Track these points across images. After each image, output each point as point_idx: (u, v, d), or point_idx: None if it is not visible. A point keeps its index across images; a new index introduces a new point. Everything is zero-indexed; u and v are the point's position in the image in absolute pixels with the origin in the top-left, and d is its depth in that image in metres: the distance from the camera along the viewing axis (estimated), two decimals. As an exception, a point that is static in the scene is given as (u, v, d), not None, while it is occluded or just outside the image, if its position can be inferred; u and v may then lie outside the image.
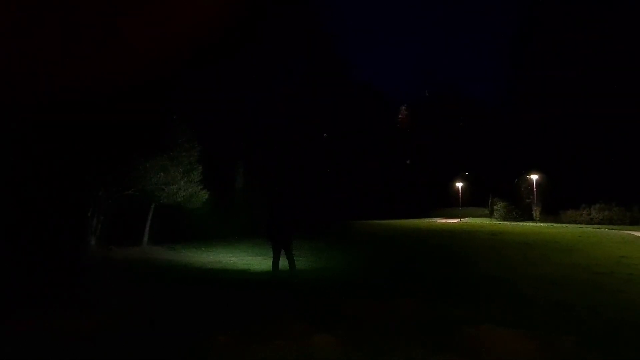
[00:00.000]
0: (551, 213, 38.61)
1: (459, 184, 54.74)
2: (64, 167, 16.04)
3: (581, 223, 34.34)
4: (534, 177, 40.32)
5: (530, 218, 40.01)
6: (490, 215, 44.46)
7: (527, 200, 42.00)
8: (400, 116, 58.74)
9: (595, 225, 31.38)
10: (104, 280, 11.74)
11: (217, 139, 29.82)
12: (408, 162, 60.41)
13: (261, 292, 9.55)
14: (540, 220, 38.12)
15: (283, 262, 12.19)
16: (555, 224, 33.12)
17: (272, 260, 12.33)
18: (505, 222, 37.58)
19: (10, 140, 13.28)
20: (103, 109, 15.19)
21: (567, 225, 32.49)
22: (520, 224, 34.93)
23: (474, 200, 53.27)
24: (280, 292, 9.64)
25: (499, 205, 43.44)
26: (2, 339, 6.02)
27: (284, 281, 11.41)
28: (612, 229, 26.62)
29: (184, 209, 22.55)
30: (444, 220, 40.16)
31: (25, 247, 13.02)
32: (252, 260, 16.78)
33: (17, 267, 11.62)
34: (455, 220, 40.40)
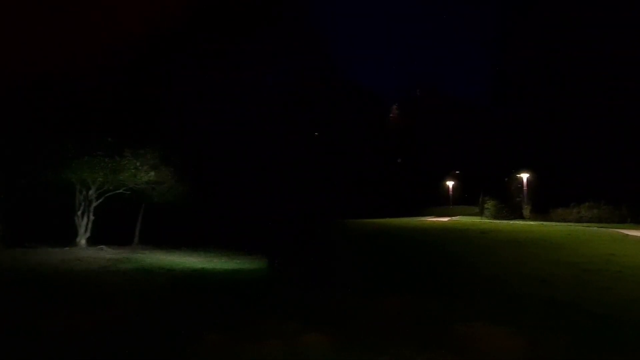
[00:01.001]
0: (541, 211, 38.82)
1: (450, 183, 54.89)
2: (51, 166, 15.95)
3: (571, 221, 34.54)
4: (524, 175, 40.52)
5: (521, 216, 40.20)
6: (480, 213, 44.57)
7: (518, 199, 42.19)
8: (391, 115, 58.84)
9: (584, 224, 31.59)
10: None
11: (209, 139, 29.70)
12: (399, 160, 60.52)
13: (253, 292, 9.55)
14: (531, 219, 38.33)
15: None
16: (545, 222, 33.29)
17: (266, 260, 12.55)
18: (495, 221, 37.68)
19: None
20: (92, 101, 15.09)
21: (557, 223, 32.69)
22: (511, 222, 35.07)
23: (465, 199, 53.46)
24: (272, 291, 9.63)
25: (490, 204, 43.56)
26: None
27: (275, 280, 11.45)
28: (602, 227, 26.80)
29: (174, 209, 22.46)
30: (434, 219, 40.20)
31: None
32: (244, 260, 16.76)
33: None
34: (446, 219, 40.47)
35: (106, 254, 17.32)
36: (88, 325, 6.49)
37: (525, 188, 40.51)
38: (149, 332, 6.29)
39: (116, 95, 18.27)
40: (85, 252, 17.69)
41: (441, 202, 55.37)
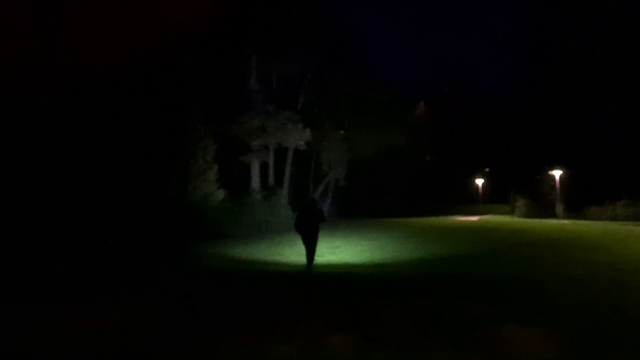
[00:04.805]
0: (574, 210, 37.83)
1: (479, 181, 54.03)
2: (82, 169, 16.26)
3: (605, 220, 33.58)
4: (557, 172, 39.58)
5: (553, 215, 39.24)
6: (511, 212, 43.82)
7: (550, 197, 41.22)
8: (418, 112, 58.13)
9: (620, 222, 30.68)
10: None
11: (234, 137, 29.96)
12: (427, 158, 59.83)
13: (279, 290, 9.50)
14: (564, 217, 37.41)
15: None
16: (578, 221, 32.46)
17: (305, 255, 13.08)
18: (527, 220, 36.96)
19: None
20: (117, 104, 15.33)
21: (591, 222, 31.83)
22: (543, 221, 34.31)
23: (495, 197, 52.55)
24: (298, 289, 9.58)
25: (521, 202, 42.74)
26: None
27: (304, 277, 11.52)
28: (638, 226, 25.98)
29: (201, 207, 22.80)
30: (464, 218, 39.69)
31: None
32: (270, 258, 16.82)
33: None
34: (476, 218, 39.90)
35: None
36: (103, 325, 6.52)
37: (558, 186, 39.56)
38: (171, 331, 6.29)
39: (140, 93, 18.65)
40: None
41: (470, 201, 54.58)
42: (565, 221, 33.19)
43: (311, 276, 12.02)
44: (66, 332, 6.23)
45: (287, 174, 35.07)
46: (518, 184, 44.56)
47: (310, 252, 13.03)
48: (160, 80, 19.56)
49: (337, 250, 18.21)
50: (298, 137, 31.75)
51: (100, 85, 14.48)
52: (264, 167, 33.01)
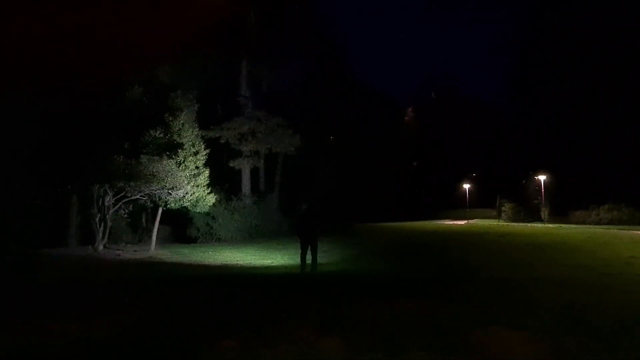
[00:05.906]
0: (560, 214, 38.26)
1: (466, 185, 54.39)
2: (66, 172, 16.24)
3: (590, 224, 33.99)
4: (542, 177, 40.02)
5: (539, 219, 39.64)
6: (498, 216, 44.17)
7: (535, 201, 41.64)
8: (406, 118, 58.48)
9: (604, 226, 31.08)
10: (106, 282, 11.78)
11: (225, 142, 29.95)
12: (415, 163, 60.14)
13: (268, 293, 9.54)
14: (549, 221, 37.81)
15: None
16: (563, 225, 32.81)
17: (299, 257, 13.23)
18: (513, 224, 37.28)
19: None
20: (107, 108, 15.35)
21: (576, 226, 32.18)
22: (529, 225, 34.63)
23: (482, 202, 52.91)
24: (287, 292, 9.62)
25: (507, 207, 43.11)
26: None
27: (298, 278, 11.62)
28: (621, 229, 26.33)
29: (192, 212, 22.85)
30: (451, 223, 39.93)
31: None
32: (260, 262, 16.84)
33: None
34: (462, 222, 40.17)
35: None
36: (90, 331, 6.53)
37: (543, 190, 39.99)
38: (158, 336, 6.31)
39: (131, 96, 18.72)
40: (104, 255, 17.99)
41: (457, 205, 54.90)
42: (551, 225, 33.52)
43: (316, 277, 12.24)
44: (62, 337, 6.24)
45: (278, 179, 35.11)
46: (504, 189, 44.96)
47: (313, 254, 13.15)
48: (151, 85, 19.60)
49: (326, 255, 18.27)
50: (288, 143, 31.80)
51: (82, 88, 14.50)
52: (254, 172, 33.01)
